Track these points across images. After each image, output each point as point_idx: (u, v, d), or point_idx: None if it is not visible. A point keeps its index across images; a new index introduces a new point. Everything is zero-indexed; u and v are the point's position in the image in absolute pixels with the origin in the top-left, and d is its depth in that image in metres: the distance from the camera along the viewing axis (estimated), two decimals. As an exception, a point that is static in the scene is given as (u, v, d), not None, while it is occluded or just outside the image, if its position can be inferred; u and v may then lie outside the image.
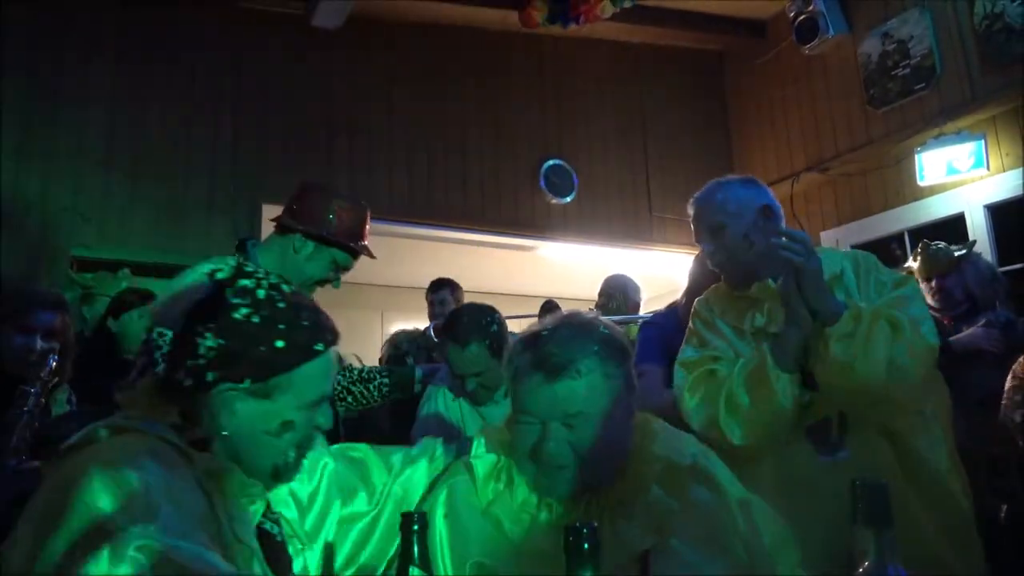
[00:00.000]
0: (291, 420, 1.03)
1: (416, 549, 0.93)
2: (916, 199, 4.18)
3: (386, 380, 2.28)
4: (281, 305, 1.03)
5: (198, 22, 3.89)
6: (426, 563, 0.94)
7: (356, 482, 1.28)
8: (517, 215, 4.58)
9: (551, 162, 4.71)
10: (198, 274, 1.05)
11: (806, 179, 4.68)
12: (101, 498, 0.84)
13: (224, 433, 1.00)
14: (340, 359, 3.43)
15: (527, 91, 4.78)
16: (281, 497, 1.16)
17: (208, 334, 0.99)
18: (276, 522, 1.12)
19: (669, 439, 1.24)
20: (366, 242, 2.03)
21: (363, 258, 2.06)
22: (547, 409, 1.16)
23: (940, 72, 4.07)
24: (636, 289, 3.41)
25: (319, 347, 1.05)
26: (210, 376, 0.99)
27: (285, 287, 1.07)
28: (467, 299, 3.78)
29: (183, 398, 1.00)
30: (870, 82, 4.40)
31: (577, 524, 0.76)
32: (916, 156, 4.06)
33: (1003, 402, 2.28)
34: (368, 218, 2.04)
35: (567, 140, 4.84)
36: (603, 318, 1.29)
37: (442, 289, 3.67)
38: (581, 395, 1.15)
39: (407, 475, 1.31)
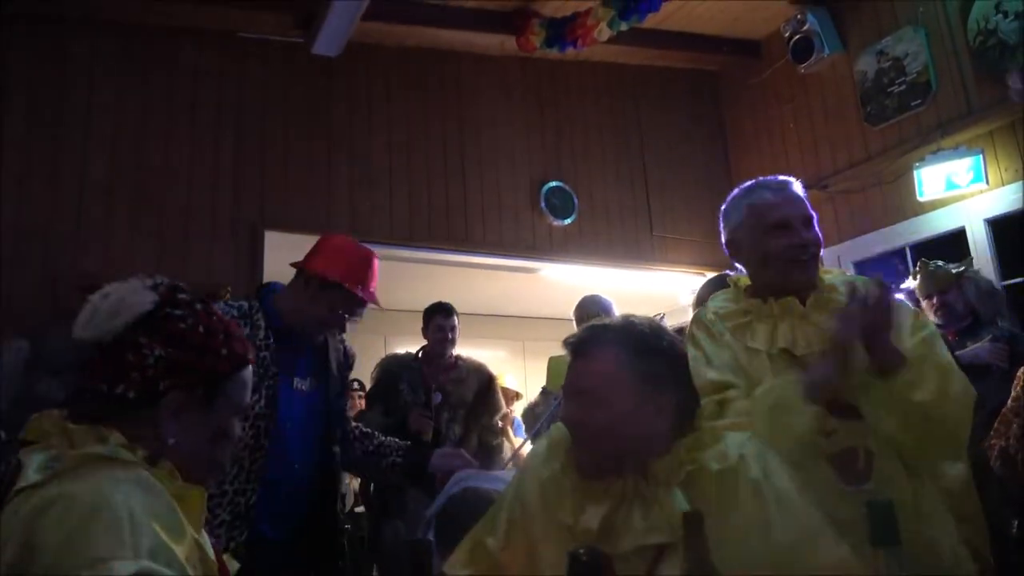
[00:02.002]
0: (226, 428, 1.09)
1: None
2: (916, 214, 4.19)
3: (399, 460, 2.27)
4: (214, 318, 1.11)
5: (199, 52, 3.93)
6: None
7: None
8: (518, 238, 4.59)
9: (551, 184, 4.73)
10: (133, 288, 1.07)
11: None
12: (95, 538, 0.84)
13: (171, 441, 1.02)
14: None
15: (526, 114, 4.81)
16: None
17: (155, 346, 1.02)
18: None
19: (722, 444, 1.21)
20: (373, 289, 2.11)
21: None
22: (567, 384, 1.27)
23: (936, 88, 4.10)
24: (611, 306, 3.36)
25: (249, 355, 1.13)
26: (161, 385, 1.02)
27: (209, 304, 1.14)
28: (469, 321, 3.73)
29: (123, 413, 1.01)
30: (866, 99, 4.43)
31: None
32: (915, 172, 4.08)
33: (1008, 404, 2.27)
34: (374, 265, 2.13)
35: (567, 162, 4.87)
36: (658, 322, 1.32)
37: (438, 315, 3.55)
38: (589, 375, 1.23)
39: None
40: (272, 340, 2.00)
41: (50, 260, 3.38)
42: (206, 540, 1.05)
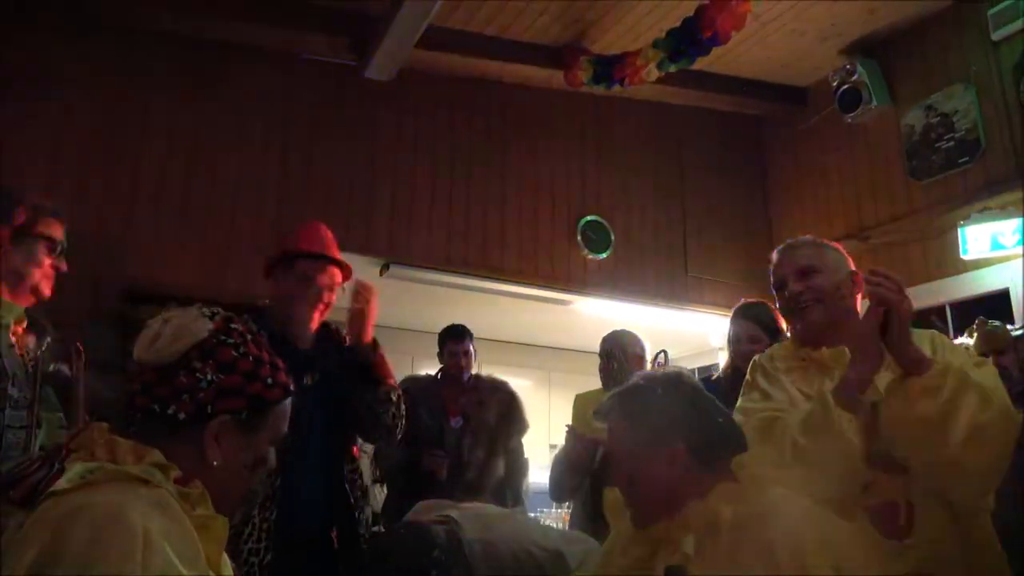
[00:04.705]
0: (264, 455, 1.13)
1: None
2: (959, 272, 4.12)
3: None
4: (263, 350, 1.16)
5: (255, 69, 4.05)
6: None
7: None
8: (553, 269, 4.61)
9: (588, 218, 4.75)
10: (192, 316, 1.12)
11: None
12: (107, 553, 0.88)
13: (215, 464, 1.06)
14: None
15: (567, 147, 4.86)
16: None
17: (208, 370, 1.07)
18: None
19: (740, 494, 1.26)
20: (335, 256, 2.15)
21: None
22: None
23: (984, 146, 4.05)
24: (634, 342, 3.18)
25: (291, 387, 1.17)
26: (210, 408, 1.06)
27: (259, 336, 1.20)
28: (497, 348, 3.70)
29: (171, 433, 1.05)
30: (912, 153, 4.39)
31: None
32: (959, 229, 4.02)
33: None
34: (321, 229, 2.19)
35: (605, 197, 4.89)
36: (662, 372, 1.46)
37: (449, 341, 3.47)
38: (609, 440, 1.43)
39: None
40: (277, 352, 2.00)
41: (97, 264, 3.45)
42: (227, 567, 1.07)
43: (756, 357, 1.77)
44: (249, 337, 1.15)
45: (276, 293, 2.14)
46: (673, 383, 1.41)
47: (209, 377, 1.07)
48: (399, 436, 2.20)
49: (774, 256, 1.76)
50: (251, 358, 1.12)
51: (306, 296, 2.09)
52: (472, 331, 3.60)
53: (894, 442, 1.42)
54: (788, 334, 1.85)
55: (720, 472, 1.31)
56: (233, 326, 1.14)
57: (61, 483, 0.94)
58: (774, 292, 1.74)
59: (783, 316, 1.76)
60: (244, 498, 1.16)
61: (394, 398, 2.12)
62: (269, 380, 1.12)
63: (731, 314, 2.79)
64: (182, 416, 1.05)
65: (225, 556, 1.08)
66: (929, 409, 1.35)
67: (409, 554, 1.77)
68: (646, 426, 1.34)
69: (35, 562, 0.87)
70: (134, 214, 3.63)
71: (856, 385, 1.42)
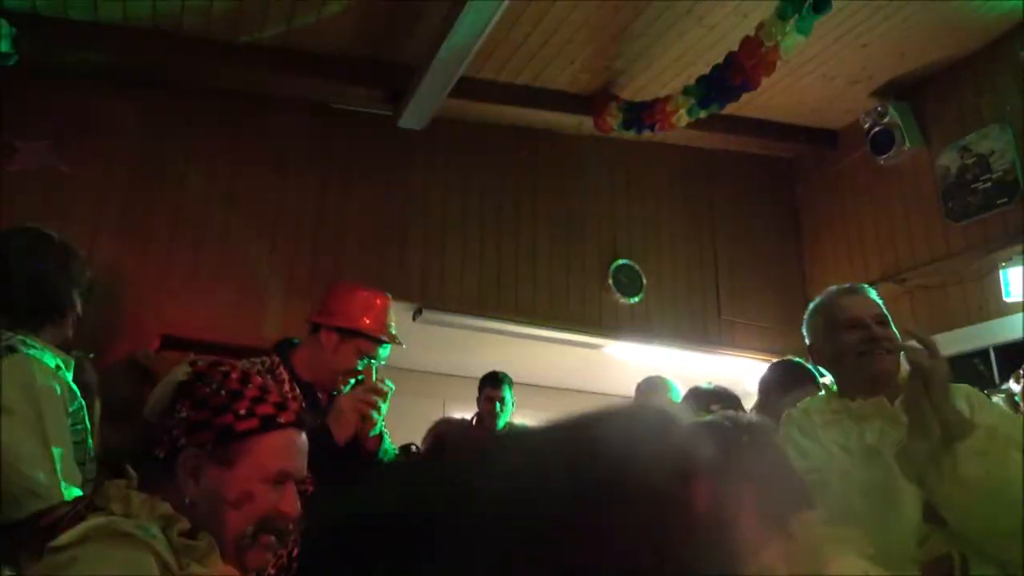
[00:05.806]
0: (250, 491, 1.09)
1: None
2: (1002, 315, 4.02)
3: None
4: (249, 385, 1.15)
5: (291, 119, 4.17)
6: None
7: None
8: (584, 313, 4.60)
9: (620, 262, 4.75)
10: (180, 368, 1.16)
11: (882, 290, 4.47)
12: None
13: (187, 501, 1.06)
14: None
15: (598, 191, 4.89)
16: None
17: (183, 409, 1.11)
18: None
19: (797, 554, 1.22)
20: (391, 330, 2.11)
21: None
22: None
23: (1023, 187, 3.98)
24: (665, 387, 3.16)
25: (281, 420, 1.14)
26: (181, 442, 1.09)
27: (259, 375, 1.21)
28: (529, 392, 3.68)
29: (159, 475, 1.08)
30: (948, 195, 4.33)
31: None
32: (1001, 271, 3.93)
33: None
34: (388, 306, 2.13)
35: (636, 241, 4.89)
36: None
37: (487, 386, 3.46)
38: None
39: None
40: (300, 392, 1.99)
41: (137, 310, 3.53)
42: None
43: (789, 411, 1.73)
44: (235, 375, 1.15)
45: (317, 347, 2.07)
46: (757, 428, 1.37)
47: (183, 414, 1.10)
48: None
49: (839, 299, 1.71)
50: (223, 392, 1.12)
51: (351, 367, 2.03)
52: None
53: (942, 505, 1.39)
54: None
55: (778, 529, 1.27)
56: (220, 368, 1.16)
57: (62, 538, 0.98)
58: (833, 333, 1.68)
59: (846, 359, 1.65)
60: (241, 544, 1.07)
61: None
62: (243, 412, 1.11)
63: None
64: (162, 455, 1.09)
65: None
66: (976, 472, 1.33)
67: None
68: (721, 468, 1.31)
69: None
70: (171, 259, 3.72)
71: (918, 458, 1.39)
